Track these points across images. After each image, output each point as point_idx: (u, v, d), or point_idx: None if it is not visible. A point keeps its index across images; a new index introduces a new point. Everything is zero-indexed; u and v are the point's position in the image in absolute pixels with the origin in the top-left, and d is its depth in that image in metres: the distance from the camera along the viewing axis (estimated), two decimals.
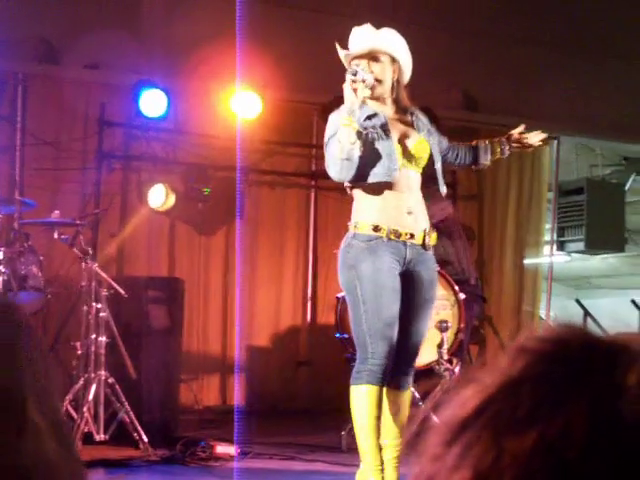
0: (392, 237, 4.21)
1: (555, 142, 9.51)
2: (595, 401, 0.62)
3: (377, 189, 4.25)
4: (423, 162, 4.36)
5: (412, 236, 4.26)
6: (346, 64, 4.34)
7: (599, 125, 9.60)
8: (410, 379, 4.40)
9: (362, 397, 4.21)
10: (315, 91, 7.98)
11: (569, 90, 9.44)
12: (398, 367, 4.31)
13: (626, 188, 10.44)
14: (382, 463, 4.23)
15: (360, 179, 4.22)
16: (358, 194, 4.32)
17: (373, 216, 4.23)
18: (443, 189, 4.48)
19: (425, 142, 4.37)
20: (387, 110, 4.38)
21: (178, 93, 7.78)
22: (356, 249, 4.23)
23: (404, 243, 4.25)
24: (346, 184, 4.34)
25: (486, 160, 4.58)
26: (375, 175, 4.23)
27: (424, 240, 4.30)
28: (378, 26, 4.40)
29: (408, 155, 4.31)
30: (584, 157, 10.61)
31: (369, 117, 4.27)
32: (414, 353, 4.37)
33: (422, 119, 4.45)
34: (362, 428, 4.22)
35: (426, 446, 0.67)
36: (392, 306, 4.20)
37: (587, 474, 0.60)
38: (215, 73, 7.54)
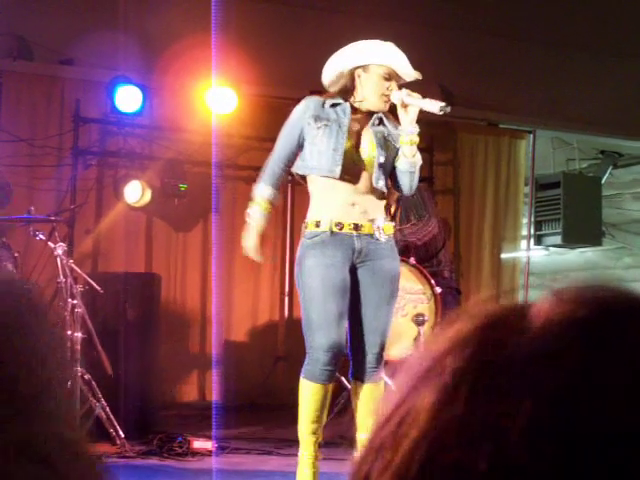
0: (335, 229, 4.24)
1: (531, 136, 9.54)
2: None
3: (323, 184, 4.29)
4: (371, 159, 4.31)
5: (357, 227, 4.26)
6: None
7: (575, 119, 9.63)
8: (376, 373, 4.38)
9: (302, 390, 4.35)
10: (291, 86, 7.98)
11: (546, 84, 9.47)
12: (363, 361, 4.36)
13: (603, 181, 10.49)
14: (315, 454, 4.38)
15: (306, 170, 4.34)
16: (312, 191, 4.39)
17: (317, 213, 4.29)
18: (379, 183, 4.30)
19: (374, 144, 4.33)
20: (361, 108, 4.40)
21: (153, 89, 7.76)
22: (304, 247, 4.30)
23: (349, 235, 4.26)
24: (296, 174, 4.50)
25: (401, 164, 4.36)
26: (319, 169, 4.28)
27: (373, 230, 4.29)
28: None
29: (357, 153, 4.31)
30: (561, 151, 10.65)
31: (334, 105, 4.32)
32: (376, 346, 4.35)
33: (388, 125, 4.39)
34: (299, 418, 4.37)
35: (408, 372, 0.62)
36: (332, 300, 4.21)
37: None
38: (190, 68, 7.53)
